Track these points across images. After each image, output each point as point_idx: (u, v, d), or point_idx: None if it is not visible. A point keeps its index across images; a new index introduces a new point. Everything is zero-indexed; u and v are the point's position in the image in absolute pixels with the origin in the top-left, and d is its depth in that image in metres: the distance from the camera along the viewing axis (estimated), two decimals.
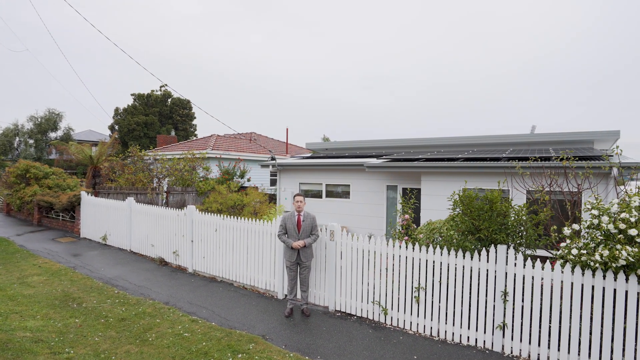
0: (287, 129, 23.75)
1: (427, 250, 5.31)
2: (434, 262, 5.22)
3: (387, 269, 5.63)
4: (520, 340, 4.67)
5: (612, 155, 9.24)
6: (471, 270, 4.98)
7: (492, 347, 4.83)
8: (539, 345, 4.56)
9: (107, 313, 5.80)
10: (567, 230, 4.50)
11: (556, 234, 5.13)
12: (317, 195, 13.18)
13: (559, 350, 4.44)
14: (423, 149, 15.00)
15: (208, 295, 6.78)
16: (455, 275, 5.08)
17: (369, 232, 11.97)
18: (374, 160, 11.75)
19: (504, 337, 4.77)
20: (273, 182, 22.98)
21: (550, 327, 4.53)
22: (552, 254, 5.68)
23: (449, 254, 5.17)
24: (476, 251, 4.99)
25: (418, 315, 5.36)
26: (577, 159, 7.59)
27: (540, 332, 4.57)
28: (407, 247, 5.46)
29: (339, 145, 17.21)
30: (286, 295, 6.70)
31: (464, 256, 5.08)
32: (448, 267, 5.13)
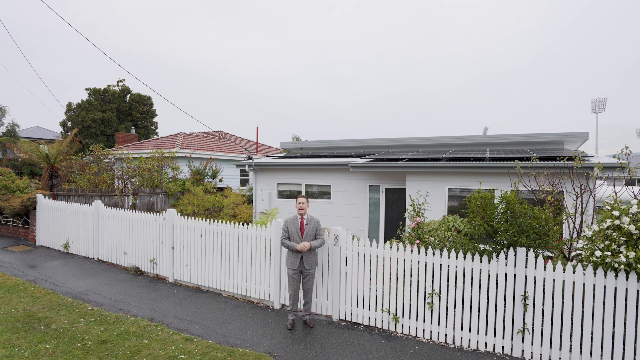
0: (257, 128, 23.04)
1: (440, 254, 5.08)
2: (448, 266, 5.00)
3: (397, 275, 5.35)
4: (541, 345, 4.55)
5: (592, 155, 9.61)
6: (489, 274, 4.80)
7: (511, 353, 4.68)
8: (560, 349, 4.46)
9: (83, 335, 5.05)
10: (588, 232, 4.43)
11: (576, 237, 5.08)
12: (296, 196, 12.74)
13: (581, 353, 4.36)
14: (402, 148, 14.98)
15: (197, 308, 6.16)
16: (472, 280, 4.89)
17: (351, 233, 11.70)
18: (358, 160, 11.49)
19: (523, 342, 4.63)
20: (243, 182, 22.16)
21: (572, 330, 4.44)
22: (553, 253, 5.66)
23: (464, 258, 4.97)
24: (494, 254, 4.82)
25: (432, 322, 5.11)
26: (582, 158, 7.66)
27: (561, 336, 4.46)
28: (419, 251, 5.20)
29: (315, 145, 16.81)
30: (283, 305, 6.24)
31: (480, 260, 4.90)
32: (464, 271, 4.93)
